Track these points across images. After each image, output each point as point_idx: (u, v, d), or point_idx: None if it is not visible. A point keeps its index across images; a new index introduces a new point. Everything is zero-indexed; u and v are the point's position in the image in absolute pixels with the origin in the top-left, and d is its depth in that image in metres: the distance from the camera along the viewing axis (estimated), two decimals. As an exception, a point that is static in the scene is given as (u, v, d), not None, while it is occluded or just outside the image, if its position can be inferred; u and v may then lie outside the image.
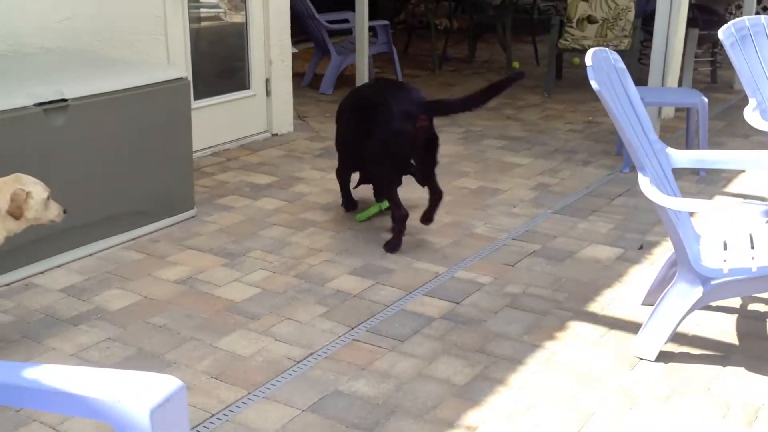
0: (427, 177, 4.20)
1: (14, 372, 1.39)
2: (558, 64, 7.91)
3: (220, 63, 5.96)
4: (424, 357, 3.06)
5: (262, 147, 5.80)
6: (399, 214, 4.01)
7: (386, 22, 7.87)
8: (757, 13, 8.22)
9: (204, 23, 5.81)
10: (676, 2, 5.81)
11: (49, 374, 1.37)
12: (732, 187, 4.99)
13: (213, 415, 2.69)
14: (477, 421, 2.67)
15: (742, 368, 2.98)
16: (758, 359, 3.05)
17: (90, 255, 3.90)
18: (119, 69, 4.29)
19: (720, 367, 2.99)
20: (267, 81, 6.01)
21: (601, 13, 7.54)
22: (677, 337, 3.13)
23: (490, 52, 9.62)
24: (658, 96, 5.60)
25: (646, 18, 7.37)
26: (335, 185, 4.91)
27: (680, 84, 6.46)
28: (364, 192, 4.58)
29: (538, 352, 3.10)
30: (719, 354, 3.09)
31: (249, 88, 5.94)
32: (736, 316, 3.38)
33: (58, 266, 3.76)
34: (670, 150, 3.29)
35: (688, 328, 3.23)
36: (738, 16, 7.14)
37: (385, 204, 4.40)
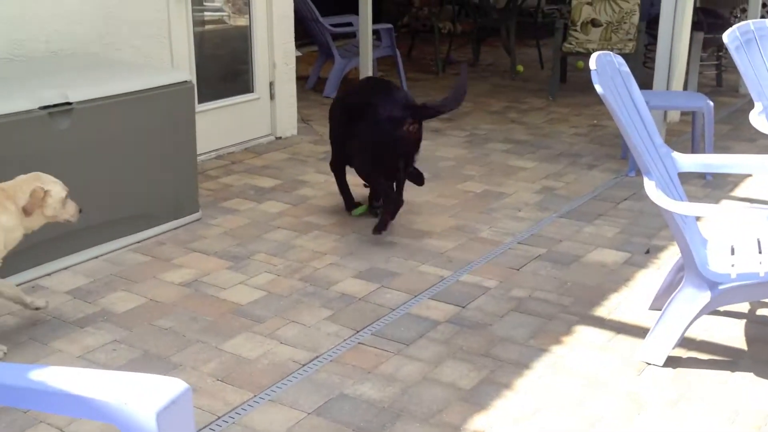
0: (398, 183, 4.27)
1: (21, 374, 1.38)
2: (562, 67, 7.91)
3: (224, 66, 5.97)
4: (430, 361, 3.05)
5: (266, 150, 5.80)
6: (390, 199, 4.14)
7: (390, 25, 7.87)
8: (762, 16, 8.21)
9: (208, 26, 5.81)
10: (681, 5, 5.81)
11: (55, 376, 1.37)
12: (738, 192, 4.97)
13: (219, 418, 2.69)
14: (483, 425, 2.66)
15: (751, 373, 2.97)
16: (767, 364, 3.03)
17: (96, 257, 3.90)
18: (124, 72, 4.30)
19: (728, 372, 2.98)
20: (271, 84, 6.01)
21: (605, 16, 7.53)
22: (685, 342, 3.12)
23: (494, 56, 9.62)
24: (663, 100, 5.59)
25: (650, 21, 7.37)
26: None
27: (685, 88, 6.45)
28: (365, 190, 4.61)
29: (545, 356, 3.08)
30: (727, 359, 3.07)
31: (253, 92, 5.94)
32: (744, 321, 3.36)
33: (65, 268, 3.76)
34: (675, 154, 3.28)
35: (696, 333, 3.22)
36: (743, 20, 7.14)
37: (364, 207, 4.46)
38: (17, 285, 3.32)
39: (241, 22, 5.91)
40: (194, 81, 4.78)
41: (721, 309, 3.34)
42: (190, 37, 5.34)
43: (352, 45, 7.74)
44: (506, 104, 7.32)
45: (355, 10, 7.22)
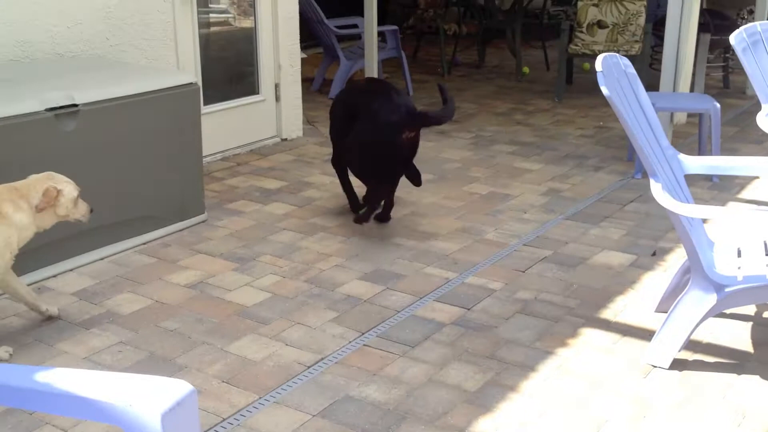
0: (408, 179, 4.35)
1: (27, 375, 1.39)
2: (568, 69, 7.90)
3: (229, 68, 5.97)
4: (435, 363, 3.04)
5: (272, 152, 5.81)
6: (376, 195, 4.32)
7: (395, 27, 7.88)
8: (769, 18, 8.18)
9: (213, 28, 5.82)
10: (687, 7, 5.79)
11: (61, 378, 1.37)
12: (745, 194, 4.96)
13: (224, 420, 2.68)
14: (488, 427, 2.66)
15: (757, 376, 2.96)
16: (772, 367, 3.02)
17: (102, 259, 3.90)
18: (129, 74, 4.30)
19: (735, 375, 2.97)
20: (276, 86, 6.02)
21: (611, 18, 7.52)
22: (691, 345, 3.11)
23: (500, 58, 9.62)
24: (669, 101, 5.57)
25: (657, 23, 7.36)
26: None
27: (692, 89, 6.44)
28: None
29: (550, 358, 3.08)
30: (734, 362, 3.06)
31: (258, 93, 5.94)
32: (750, 323, 3.35)
33: (70, 270, 3.77)
34: (682, 156, 3.27)
35: (702, 335, 3.21)
36: (750, 21, 7.12)
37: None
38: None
39: (247, 23, 5.92)
40: (200, 83, 4.79)
41: (728, 311, 3.33)
42: (195, 39, 5.35)
43: (357, 47, 7.74)
44: (512, 106, 7.31)
45: (360, 12, 7.22)
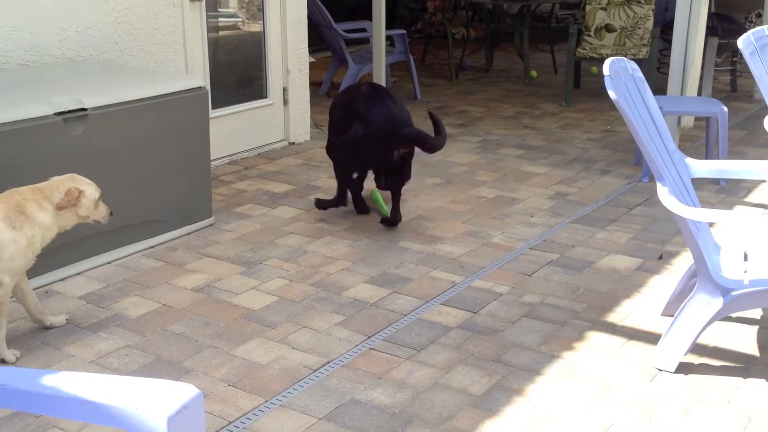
0: (394, 189, 4.41)
1: (34, 379, 1.40)
2: (576, 72, 7.89)
3: (237, 72, 5.99)
4: (441, 366, 3.05)
5: (280, 156, 5.82)
6: (338, 198, 4.56)
7: (403, 31, 7.89)
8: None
9: (222, 32, 5.85)
10: (695, 11, 5.79)
11: (68, 381, 1.38)
12: (752, 197, 4.95)
13: (230, 423, 2.70)
14: (494, 431, 2.66)
15: (763, 379, 2.95)
16: (779, 371, 3.02)
17: (109, 263, 3.92)
18: (138, 78, 4.32)
19: (741, 378, 2.96)
20: (284, 90, 6.03)
21: (619, 21, 7.52)
22: (697, 349, 3.11)
23: (508, 61, 9.62)
24: (677, 105, 5.57)
25: (664, 26, 7.35)
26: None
27: (700, 93, 6.42)
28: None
29: (556, 362, 3.08)
30: (740, 365, 3.06)
31: (266, 97, 5.96)
32: (757, 327, 3.35)
33: (78, 274, 3.79)
34: (689, 160, 3.27)
35: (708, 339, 3.20)
36: (758, 25, 7.10)
37: (385, 210, 4.55)
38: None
39: (255, 27, 5.94)
40: (208, 87, 4.81)
41: (734, 315, 3.33)
42: (204, 43, 5.37)
43: (365, 51, 7.75)
44: (519, 109, 7.31)
45: (368, 16, 7.23)
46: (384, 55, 7.14)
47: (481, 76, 8.93)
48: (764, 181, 5.12)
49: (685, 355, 2.99)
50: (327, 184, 5.16)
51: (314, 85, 6.86)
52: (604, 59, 2.95)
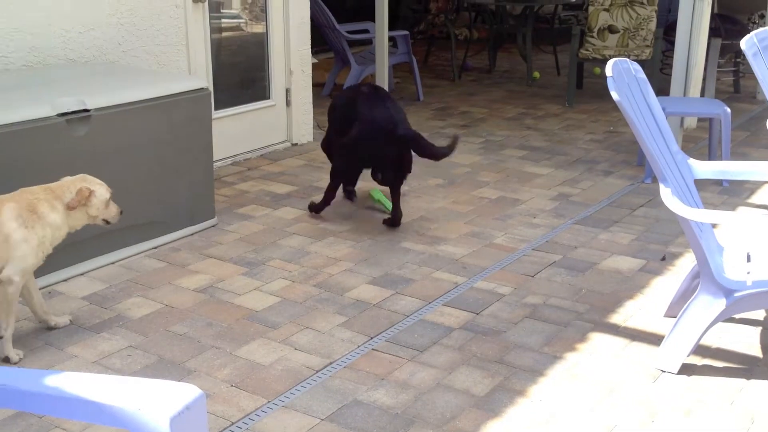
0: (393, 186, 4.45)
1: (37, 379, 1.40)
2: (579, 73, 7.89)
3: (240, 73, 6.00)
4: (444, 367, 3.05)
5: (282, 157, 5.82)
6: (328, 196, 4.52)
7: (406, 32, 7.89)
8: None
9: (225, 34, 5.85)
10: (698, 12, 5.78)
11: (71, 382, 1.38)
12: (755, 198, 4.94)
13: (233, 424, 2.70)
14: (497, 432, 2.66)
15: (766, 381, 2.95)
16: (782, 372, 3.01)
17: (112, 263, 3.93)
18: (141, 79, 4.33)
19: (744, 380, 2.96)
20: (287, 91, 6.04)
21: (622, 22, 7.51)
22: (700, 350, 3.11)
23: (511, 62, 9.62)
24: (680, 106, 5.56)
25: (667, 28, 7.34)
26: (360, 197, 4.94)
27: (703, 94, 6.42)
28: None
29: (559, 363, 3.08)
30: (743, 367, 3.06)
31: (269, 98, 5.97)
32: (760, 328, 3.34)
33: (81, 274, 3.79)
34: (692, 161, 3.27)
35: (711, 340, 3.20)
36: (761, 26, 7.10)
37: (388, 204, 4.60)
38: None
39: (258, 29, 5.94)
40: (211, 88, 4.81)
41: (737, 316, 3.33)
42: (207, 44, 5.38)
43: (368, 52, 7.75)
44: (522, 110, 7.31)
45: (371, 17, 7.24)
46: (387, 56, 7.14)
47: (483, 77, 8.93)
48: (767, 182, 5.12)
49: (688, 356, 2.99)
50: (330, 185, 5.16)
51: (317, 86, 6.87)
52: (607, 60, 2.95)
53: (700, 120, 6.51)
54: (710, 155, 5.38)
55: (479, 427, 2.68)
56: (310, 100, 6.22)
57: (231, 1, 5.89)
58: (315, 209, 4.58)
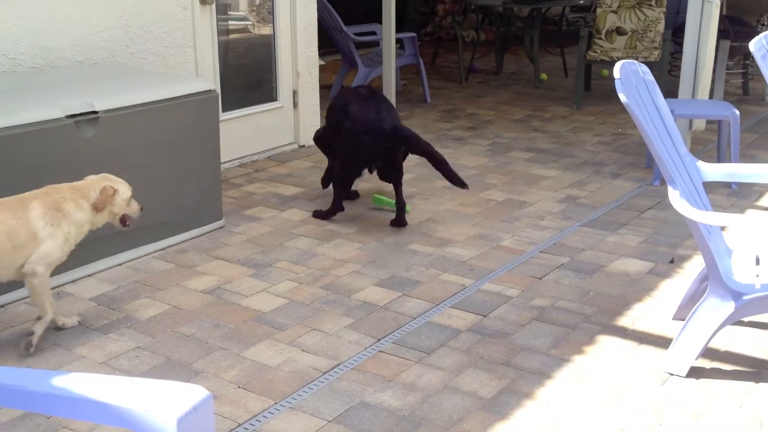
0: (393, 183, 4.53)
1: (45, 380, 1.40)
2: (586, 75, 7.88)
3: (248, 75, 6.01)
4: (451, 369, 3.04)
5: (290, 158, 5.83)
6: (338, 201, 4.53)
7: (413, 34, 7.89)
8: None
9: (232, 36, 5.86)
10: (707, 13, 5.76)
11: (78, 382, 1.38)
12: (764, 201, 4.92)
13: (240, 425, 2.70)
14: (504, 434, 2.65)
15: (775, 384, 2.94)
16: (791, 375, 3.00)
17: (120, 264, 3.93)
18: (149, 81, 4.34)
19: (752, 383, 2.95)
20: (294, 93, 6.04)
21: (630, 24, 7.50)
22: (708, 353, 3.09)
23: (518, 64, 9.61)
24: (688, 108, 5.55)
25: (676, 29, 7.32)
26: (364, 197, 4.94)
27: (711, 96, 6.40)
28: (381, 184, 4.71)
29: (566, 366, 3.07)
30: (751, 370, 3.04)
31: (276, 100, 5.97)
32: (768, 331, 3.33)
33: (89, 275, 3.80)
34: (700, 163, 3.26)
35: (720, 343, 3.19)
36: (769, 28, 7.06)
37: (389, 201, 4.67)
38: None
39: (266, 31, 5.95)
40: (218, 90, 4.82)
41: (746, 319, 3.31)
42: (214, 46, 5.39)
43: (375, 54, 7.76)
44: (529, 112, 7.30)
45: (378, 19, 7.24)
46: (394, 58, 7.14)
47: (491, 79, 8.92)
48: (776, 184, 5.10)
49: (697, 359, 2.98)
50: (337, 187, 5.16)
51: (324, 88, 6.87)
52: (615, 62, 2.94)
53: (708, 122, 6.49)
54: (719, 158, 5.36)
55: (486, 429, 2.68)
56: (318, 102, 6.22)
57: (238, 3, 5.90)
58: (322, 216, 4.58)
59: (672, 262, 4.02)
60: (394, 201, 4.54)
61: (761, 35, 3.94)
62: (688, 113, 5.55)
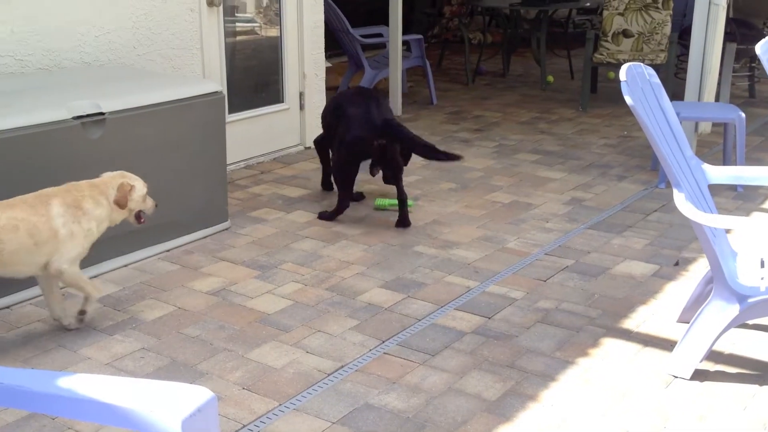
0: (393, 179, 4.61)
1: (50, 381, 1.41)
2: (593, 78, 7.87)
3: (254, 77, 6.02)
4: (455, 371, 3.04)
5: (295, 160, 5.84)
6: (343, 202, 4.56)
7: (420, 36, 7.89)
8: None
9: (239, 37, 5.87)
10: (713, 16, 5.76)
11: (83, 383, 1.39)
12: (770, 204, 4.92)
13: (244, 426, 2.70)
14: (508, 437, 2.66)
15: (780, 388, 2.93)
16: (796, 379, 2.99)
17: (126, 266, 3.95)
18: (155, 83, 4.35)
19: (757, 386, 2.94)
20: (301, 95, 6.05)
21: (636, 27, 7.49)
22: (713, 356, 3.09)
23: (525, 66, 9.60)
24: (694, 111, 5.54)
25: (682, 32, 7.31)
26: (368, 199, 4.95)
27: (717, 99, 6.39)
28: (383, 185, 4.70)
29: (571, 368, 3.07)
30: (756, 373, 3.04)
31: (283, 102, 5.98)
32: (773, 334, 3.32)
33: (95, 276, 3.81)
34: (706, 166, 3.26)
35: (724, 346, 3.18)
36: (776, 31, 7.05)
37: (392, 202, 4.70)
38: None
39: (272, 32, 5.96)
40: (225, 91, 4.83)
41: (750, 322, 3.30)
42: (221, 47, 5.40)
43: (382, 56, 7.76)
44: (536, 115, 7.30)
45: (385, 21, 7.25)
46: (400, 60, 7.15)
47: (497, 81, 8.92)
48: (782, 187, 5.09)
49: (701, 362, 2.98)
50: (342, 189, 5.16)
51: (330, 89, 6.87)
52: (621, 65, 2.94)
53: (714, 125, 6.48)
54: (725, 160, 5.35)
55: (490, 431, 2.68)
56: (324, 103, 6.22)
57: (245, 5, 5.91)
58: (327, 218, 4.61)
59: (677, 264, 4.01)
60: (396, 201, 4.55)
61: (767, 38, 3.93)
62: (694, 116, 5.55)
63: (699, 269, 3.90)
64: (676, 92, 6.30)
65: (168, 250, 4.14)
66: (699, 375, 2.98)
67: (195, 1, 5.13)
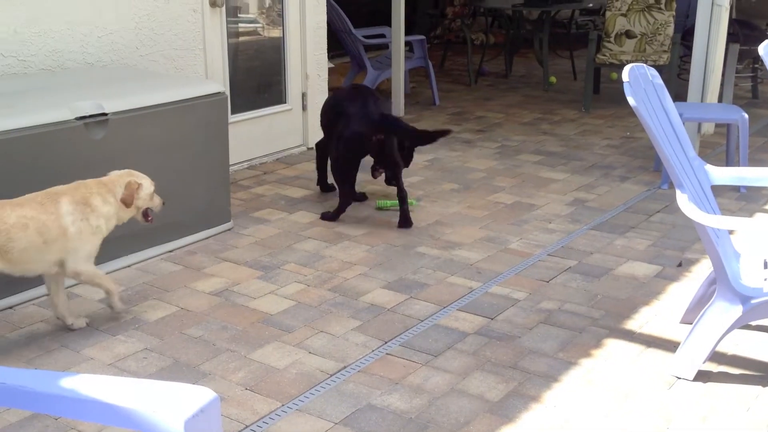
0: (392, 176, 4.67)
1: (53, 381, 1.41)
2: (595, 78, 7.86)
3: (257, 77, 6.02)
4: (458, 372, 3.04)
5: (298, 161, 5.84)
6: (344, 200, 4.58)
7: (422, 37, 7.89)
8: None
9: (242, 38, 5.88)
10: (716, 17, 5.75)
11: (86, 384, 1.39)
12: (773, 205, 4.91)
13: (247, 427, 2.71)
14: (511, 438, 2.65)
15: (783, 389, 2.93)
16: (799, 380, 2.99)
17: (128, 266, 3.95)
18: (158, 83, 4.36)
19: (760, 387, 2.94)
20: (303, 95, 6.06)
21: (639, 27, 7.48)
22: (716, 357, 3.09)
23: (527, 67, 9.59)
24: (697, 112, 5.53)
25: (685, 33, 7.30)
26: (371, 199, 4.95)
27: (720, 100, 6.38)
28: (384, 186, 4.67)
29: (574, 369, 3.07)
30: (759, 374, 3.03)
31: (285, 103, 5.99)
32: (776, 335, 3.32)
33: (97, 277, 3.81)
34: (708, 167, 3.25)
35: (727, 347, 3.18)
36: (779, 31, 7.04)
37: (393, 202, 4.69)
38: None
39: (275, 33, 5.97)
40: (228, 92, 4.84)
41: (753, 323, 3.30)
42: (224, 48, 5.40)
43: (384, 56, 7.76)
44: (538, 115, 7.29)
45: (387, 22, 7.25)
46: (403, 60, 7.15)
47: (500, 82, 8.92)
48: (785, 188, 5.08)
49: (704, 363, 2.97)
50: (345, 190, 5.16)
51: (333, 90, 6.87)
52: (624, 65, 2.94)
53: (717, 126, 6.47)
54: (728, 161, 5.35)
55: (493, 432, 2.68)
56: (326, 104, 6.23)
57: (248, 5, 5.92)
58: (329, 218, 4.61)
59: (680, 265, 4.01)
60: (396, 201, 4.56)
61: (770, 39, 3.93)
62: (697, 117, 5.54)
63: (702, 270, 3.90)
64: (678, 93, 6.30)
65: (171, 251, 4.14)
66: (702, 376, 2.98)
67: (198, 1, 5.13)
